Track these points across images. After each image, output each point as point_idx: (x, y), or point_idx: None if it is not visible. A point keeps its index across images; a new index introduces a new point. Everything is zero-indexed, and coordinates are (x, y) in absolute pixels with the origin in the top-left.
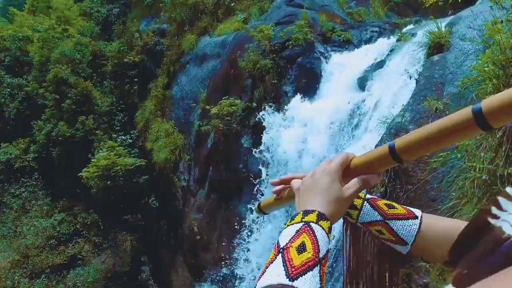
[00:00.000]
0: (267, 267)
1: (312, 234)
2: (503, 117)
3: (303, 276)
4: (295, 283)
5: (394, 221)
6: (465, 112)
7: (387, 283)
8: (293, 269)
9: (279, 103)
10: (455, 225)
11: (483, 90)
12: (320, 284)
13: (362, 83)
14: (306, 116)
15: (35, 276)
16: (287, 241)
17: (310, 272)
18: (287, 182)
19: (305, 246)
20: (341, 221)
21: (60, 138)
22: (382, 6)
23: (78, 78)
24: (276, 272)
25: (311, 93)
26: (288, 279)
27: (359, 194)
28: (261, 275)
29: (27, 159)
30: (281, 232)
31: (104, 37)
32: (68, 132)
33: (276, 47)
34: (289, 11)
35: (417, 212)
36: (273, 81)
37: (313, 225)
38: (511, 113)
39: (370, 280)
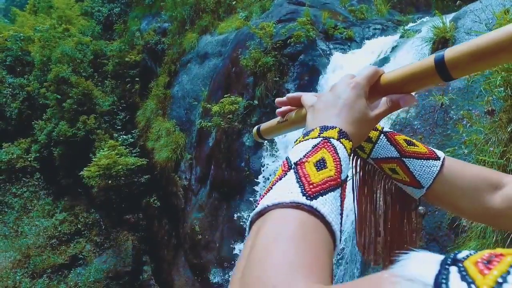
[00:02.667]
0: (273, 184)
1: (334, 151)
2: (464, 70)
3: (324, 196)
4: (313, 203)
5: (412, 159)
6: (431, 59)
7: (399, 229)
8: (311, 186)
9: None
10: (484, 175)
11: (491, 83)
12: (341, 210)
13: None
14: None
15: (37, 276)
16: (302, 156)
17: (332, 192)
18: (295, 101)
19: (326, 163)
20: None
21: (61, 138)
22: (384, 4)
23: (79, 77)
24: (289, 189)
25: (313, 91)
26: (304, 197)
27: (376, 126)
28: (266, 193)
29: (29, 159)
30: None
31: (105, 36)
32: (70, 131)
33: (277, 45)
34: (290, 8)
35: (440, 153)
36: (275, 79)
37: (334, 141)
38: (471, 64)
39: (381, 224)
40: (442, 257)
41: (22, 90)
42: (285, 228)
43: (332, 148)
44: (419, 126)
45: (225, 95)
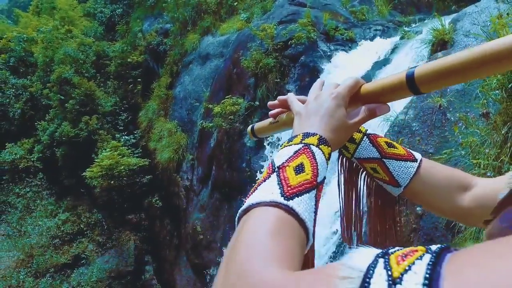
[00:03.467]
0: (259, 185)
1: (312, 157)
2: (431, 86)
3: (300, 196)
4: (290, 202)
5: (391, 160)
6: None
7: (381, 224)
8: (289, 188)
9: None
10: (456, 176)
11: (488, 86)
12: (315, 208)
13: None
14: None
15: (40, 275)
16: (284, 161)
17: (307, 194)
18: (286, 104)
19: (304, 167)
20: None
21: (64, 138)
22: (385, 5)
23: (81, 78)
24: (270, 190)
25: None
26: (283, 197)
27: (359, 128)
28: (251, 193)
29: (32, 159)
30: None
31: (108, 37)
32: (72, 132)
33: (279, 46)
34: (291, 10)
35: (418, 155)
36: (276, 80)
37: (313, 147)
38: (438, 83)
39: (365, 219)
40: (378, 251)
41: (25, 91)
42: (264, 223)
43: (310, 154)
44: (417, 128)
45: (227, 96)
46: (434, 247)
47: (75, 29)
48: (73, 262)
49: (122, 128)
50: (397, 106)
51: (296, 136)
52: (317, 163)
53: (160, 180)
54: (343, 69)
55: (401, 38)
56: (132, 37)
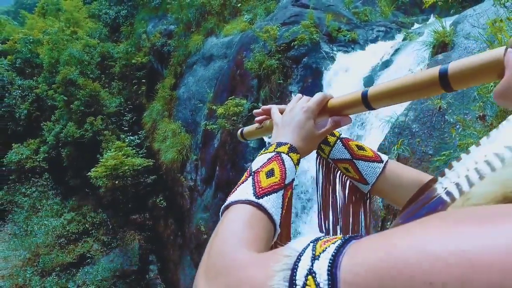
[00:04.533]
0: (238, 186)
1: (281, 163)
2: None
3: (268, 196)
4: (260, 201)
5: (360, 161)
6: (432, 71)
7: (354, 216)
8: (260, 189)
9: (285, 103)
10: (420, 178)
11: (485, 89)
12: (282, 204)
13: (367, 83)
14: None
15: (46, 274)
16: (259, 166)
17: (275, 193)
18: (269, 112)
19: (274, 172)
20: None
21: (69, 139)
22: (388, 5)
23: (86, 79)
24: (245, 191)
25: (317, 93)
26: (254, 196)
27: (334, 132)
28: (232, 193)
29: (38, 159)
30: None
31: (112, 38)
32: (77, 132)
33: (281, 47)
34: (294, 11)
35: (384, 157)
36: (279, 81)
37: (283, 155)
38: (473, 80)
39: (340, 210)
40: (313, 237)
41: (31, 92)
42: (239, 217)
43: (281, 161)
44: (417, 129)
45: (230, 97)
46: (347, 236)
47: (80, 31)
48: (79, 261)
49: (126, 128)
50: (398, 108)
51: (271, 144)
52: (285, 168)
53: (164, 180)
54: (345, 70)
55: (404, 39)
56: (137, 39)
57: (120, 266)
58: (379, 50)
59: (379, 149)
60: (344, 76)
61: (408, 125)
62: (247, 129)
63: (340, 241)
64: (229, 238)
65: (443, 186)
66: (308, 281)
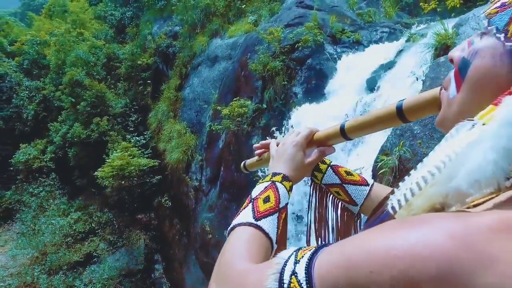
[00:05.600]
0: (241, 211)
1: (276, 190)
2: (414, 114)
3: (265, 218)
4: (258, 222)
5: (349, 185)
6: (391, 108)
7: (345, 234)
8: (258, 213)
9: (289, 104)
10: None
11: None
12: (278, 225)
13: (371, 84)
14: (315, 117)
15: (53, 273)
16: (257, 194)
17: (271, 216)
18: (267, 146)
19: (270, 198)
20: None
21: (75, 139)
22: (392, 6)
23: (92, 80)
24: (247, 215)
25: (320, 94)
26: (254, 219)
27: (324, 160)
28: (236, 217)
29: (45, 159)
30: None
31: (118, 40)
32: (84, 133)
33: (286, 49)
34: (299, 12)
35: (370, 181)
36: (283, 83)
37: (278, 183)
38: (422, 112)
39: (332, 229)
40: (297, 248)
41: (38, 93)
42: (241, 236)
43: (275, 189)
44: (418, 131)
45: (235, 98)
46: (320, 244)
47: (86, 32)
48: (85, 260)
49: (132, 129)
50: None
51: (268, 175)
52: (279, 194)
53: (169, 181)
54: (349, 71)
55: (407, 40)
56: (142, 40)
57: (126, 265)
58: (382, 51)
59: (381, 150)
60: (347, 77)
61: (410, 127)
62: (249, 161)
63: (315, 248)
64: (234, 253)
65: (390, 202)
66: (292, 280)
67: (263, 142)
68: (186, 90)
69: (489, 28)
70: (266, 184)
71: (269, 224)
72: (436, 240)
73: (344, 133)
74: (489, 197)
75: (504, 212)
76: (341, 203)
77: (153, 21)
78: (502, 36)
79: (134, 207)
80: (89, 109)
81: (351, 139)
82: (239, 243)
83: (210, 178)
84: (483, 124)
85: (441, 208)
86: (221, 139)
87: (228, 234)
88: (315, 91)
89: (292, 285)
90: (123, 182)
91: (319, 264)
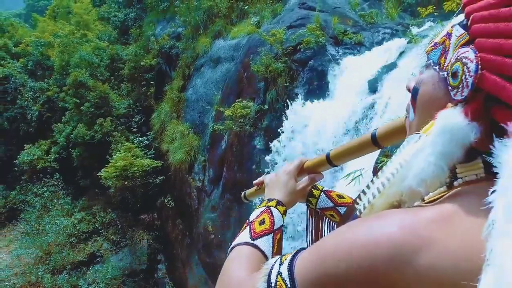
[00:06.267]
0: (239, 234)
1: (270, 214)
2: (387, 140)
3: (261, 238)
4: (254, 241)
5: (342, 207)
6: (367, 136)
7: None
8: (254, 234)
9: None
10: None
11: None
12: (273, 244)
13: (372, 85)
14: (316, 118)
15: (57, 272)
16: (254, 218)
17: (266, 236)
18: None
19: (265, 221)
20: None
21: (79, 140)
22: (395, 7)
23: (96, 81)
24: (244, 236)
25: (322, 95)
26: (250, 239)
27: (317, 187)
28: (236, 237)
29: (49, 160)
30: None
31: (121, 41)
32: (87, 134)
33: (288, 50)
34: (301, 14)
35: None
36: (285, 84)
37: (272, 208)
38: (393, 138)
39: None
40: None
41: (42, 94)
42: (240, 253)
43: (270, 213)
44: None
45: (237, 100)
46: (301, 248)
47: (90, 33)
48: (89, 260)
49: (135, 130)
50: (403, 112)
51: (264, 201)
52: (274, 217)
53: (172, 181)
54: (351, 73)
55: (409, 42)
56: (145, 41)
57: (129, 265)
58: (384, 52)
59: (382, 152)
60: (349, 79)
61: None
62: (248, 191)
63: (296, 251)
64: (233, 267)
65: (358, 207)
66: (278, 279)
67: (261, 178)
68: (189, 91)
69: (428, 61)
70: (262, 209)
71: (265, 243)
72: (389, 230)
73: (330, 161)
74: (441, 195)
75: (444, 205)
76: (336, 225)
77: (156, 22)
78: (437, 67)
79: (137, 207)
80: (93, 110)
81: (336, 166)
82: (238, 259)
83: (212, 178)
84: (426, 136)
85: (398, 205)
86: (224, 140)
87: (228, 253)
88: (317, 92)
89: (278, 283)
90: (126, 182)
91: (299, 262)
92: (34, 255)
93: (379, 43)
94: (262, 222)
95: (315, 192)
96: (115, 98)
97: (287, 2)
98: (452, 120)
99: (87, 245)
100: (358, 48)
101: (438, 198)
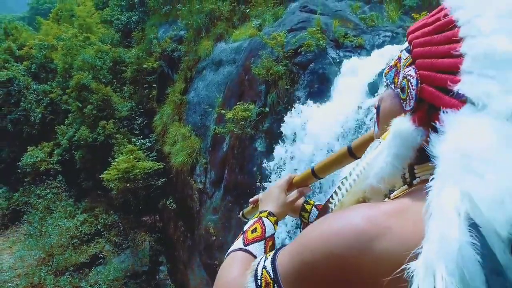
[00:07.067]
0: (235, 241)
1: (262, 224)
2: (361, 151)
3: (252, 244)
4: (247, 247)
5: None
6: (344, 149)
7: None
8: (247, 241)
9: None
10: None
11: None
12: (264, 250)
13: (373, 88)
14: (317, 120)
15: (60, 274)
16: (247, 227)
17: (257, 243)
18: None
19: (257, 229)
20: None
21: (82, 142)
22: (396, 10)
23: (99, 84)
24: (238, 243)
25: (323, 98)
26: (243, 245)
27: (309, 201)
28: (232, 244)
29: (52, 162)
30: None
31: (124, 44)
32: (90, 136)
33: (289, 54)
34: (302, 17)
35: None
36: (286, 87)
37: (264, 218)
38: (366, 148)
39: None
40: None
41: (45, 96)
42: (234, 258)
43: (262, 222)
44: None
45: (239, 102)
46: (283, 244)
47: (93, 36)
48: (91, 262)
49: (137, 132)
50: None
51: (257, 212)
52: (265, 226)
53: (174, 183)
54: (351, 76)
55: None
56: (148, 44)
57: (131, 266)
58: (385, 55)
59: None
60: (349, 82)
61: None
62: (245, 210)
63: (278, 248)
64: (227, 270)
65: (330, 206)
66: (263, 272)
67: (256, 196)
68: (191, 94)
69: (386, 82)
70: (254, 219)
71: (256, 249)
72: (352, 221)
73: (315, 174)
74: (402, 193)
75: (402, 200)
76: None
77: (158, 25)
78: (392, 86)
79: (139, 209)
80: (95, 112)
81: (321, 178)
82: (232, 263)
83: (214, 180)
84: (384, 141)
85: (363, 201)
86: (225, 142)
87: (226, 257)
88: (318, 95)
89: (263, 276)
90: (128, 184)
91: (280, 256)
92: (36, 256)
93: (380, 46)
94: (254, 230)
95: (307, 207)
96: (117, 101)
97: (289, 5)
98: (402, 126)
99: (89, 247)
100: (359, 51)
101: (399, 196)
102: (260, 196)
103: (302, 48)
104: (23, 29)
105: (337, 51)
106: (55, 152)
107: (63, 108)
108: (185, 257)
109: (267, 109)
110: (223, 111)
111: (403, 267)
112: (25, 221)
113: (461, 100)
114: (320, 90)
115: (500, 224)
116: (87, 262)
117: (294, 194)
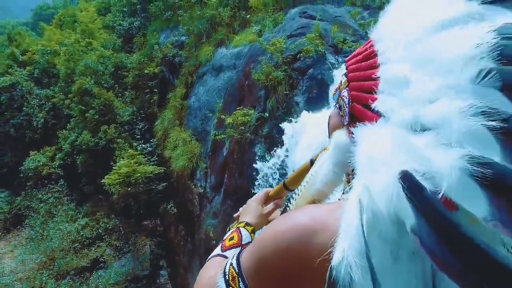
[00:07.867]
0: (214, 248)
1: (239, 232)
2: (294, 185)
3: (229, 250)
4: (224, 253)
5: None
6: (307, 162)
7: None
8: (224, 247)
9: (291, 114)
10: None
11: None
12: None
13: None
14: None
15: (61, 278)
16: (226, 236)
17: (234, 249)
18: None
19: (234, 238)
20: None
21: (84, 147)
22: None
23: (101, 89)
24: (217, 250)
25: (322, 103)
26: (221, 251)
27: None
28: (212, 251)
29: (53, 166)
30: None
31: (126, 49)
32: (92, 141)
33: (288, 59)
34: (302, 22)
35: None
36: (285, 92)
37: (241, 228)
38: (296, 183)
39: None
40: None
41: (48, 101)
42: (212, 263)
43: (239, 232)
44: None
45: (238, 107)
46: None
47: (95, 42)
48: (92, 265)
49: (139, 137)
50: None
51: (235, 223)
52: (242, 235)
53: (175, 187)
54: None
55: None
56: (149, 49)
57: (131, 270)
58: None
59: None
60: None
61: None
62: (232, 224)
63: (245, 246)
64: (206, 271)
65: (288, 209)
66: (230, 268)
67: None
68: (191, 99)
69: (333, 102)
70: (232, 229)
71: (232, 253)
72: (300, 219)
73: (286, 187)
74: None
75: (340, 201)
76: None
77: (160, 31)
78: (337, 105)
79: (140, 214)
80: (97, 117)
81: (292, 190)
82: (210, 266)
83: (214, 185)
84: (328, 151)
85: (313, 203)
86: (225, 147)
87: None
88: (317, 100)
89: (230, 271)
90: (129, 189)
91: (243, 253)
92: (38, 260)
93: None
94: (231, 238)
95: None
96: (119, 106)
97: (288, 11)
98: (340, 138)
99: (91, 251)
100: None
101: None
102: (240, 209)
103: (301, 54)
104: (26, 35)
105: (336, 56)
106: (57, 156)
107: (65, 113)
108: (186, 261)
109: (266, 114)
110: (223, 116)
111: (329, 250)
112: (27, 225)
113: (378, 114)
114: (319, 96)
115: (386, 207)
116: (88, 266)
117: (270, 206)
